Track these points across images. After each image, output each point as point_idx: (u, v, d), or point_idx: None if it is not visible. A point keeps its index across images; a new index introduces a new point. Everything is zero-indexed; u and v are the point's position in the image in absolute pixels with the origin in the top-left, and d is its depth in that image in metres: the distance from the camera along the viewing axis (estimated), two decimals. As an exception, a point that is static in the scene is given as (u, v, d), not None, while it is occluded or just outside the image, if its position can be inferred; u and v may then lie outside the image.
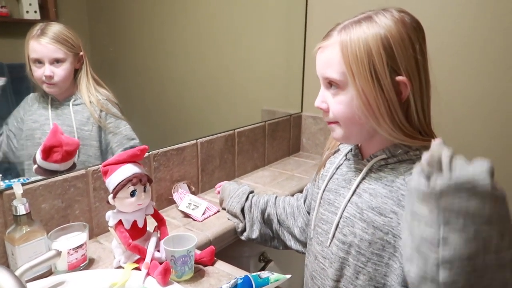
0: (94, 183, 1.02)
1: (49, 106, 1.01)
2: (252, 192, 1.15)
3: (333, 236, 0.81)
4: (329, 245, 0.82)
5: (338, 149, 0.91)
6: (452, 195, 0.49)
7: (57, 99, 1.02)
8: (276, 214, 1.08)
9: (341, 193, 0.82)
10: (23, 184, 0.87)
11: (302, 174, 1.55)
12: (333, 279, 0.80)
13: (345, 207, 0.79)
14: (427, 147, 0.73)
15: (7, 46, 0.93)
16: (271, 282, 0.80)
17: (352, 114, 0.73)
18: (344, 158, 0.87)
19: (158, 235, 0.90)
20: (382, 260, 0.73)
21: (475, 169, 0.51)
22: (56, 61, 0.97)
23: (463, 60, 1.34)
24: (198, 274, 0.86)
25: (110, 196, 0.83)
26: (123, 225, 0.84)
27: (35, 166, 0.97)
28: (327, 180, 0.87)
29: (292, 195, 1.26)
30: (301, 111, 1.82)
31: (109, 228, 0.85)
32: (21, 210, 0.80)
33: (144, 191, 0.85)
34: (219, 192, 1.24)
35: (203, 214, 1.15)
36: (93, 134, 1.06)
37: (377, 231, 0.73)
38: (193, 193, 1.27)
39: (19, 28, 0.95)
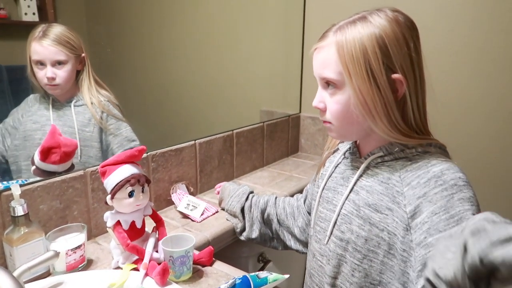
0: (93, 184, 1.02)
1: (50, 107, 1.01)
2: (252, 192, 1.15)
3: (331, 233, 0.81)
4: (327, 243, 0.82)
5: (338, 149, 0.92)
6: None
7: (59, 100, 1.03)
8: (276, 214, 1.08)
9: (339, 191, 0.83)
10: (21, 185, 0.86)
11: (301, 175, 1.55)
12: (331, 276, 0.80)
13: (342, 205, 0.80)
14: (422, 145, 0.74)
15: (5, 48, 0.93)
16: (269, 282, 0.80)
17: (349, 113, 0.74)
18: (343, 156, 0.88)
19: (157, 235, 0.90)
20: (377, 257, 0.73)
21: None
22: (58, 63, 0.98)
23: (461, 61, 1.34)
24: (197, 274, 0.86)
25: (108, 197, 0.83)
26: (121, 225, 0.84)
27: (33, 167, 0.97)
28: (326, 178, 0.88)
29: (291, 195, 1.26)
30: (300, 111, 1.82)
31: (107, 228, 0.85)
32: (19, 211, 0.80)
33: (142, 191, 0.85)
34: (218, 193, 1.24)
35: (202, 214, 1.15)
36: (94, 135, 1.06)
37: (373, 228, 0.74)
38: (191, 193, 1.27)
39: (17, 30, 0.96)
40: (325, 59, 0.74)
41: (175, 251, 0.81)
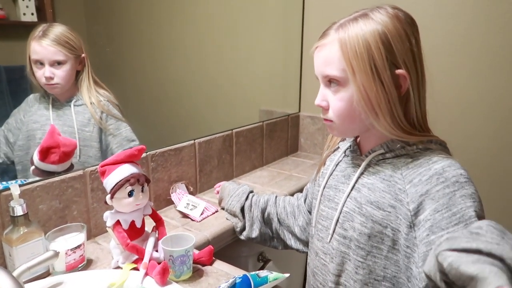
0: (92, 183, 1.02)
1: (50, 106, 1.02)
2: (252, 191, 1.15)
3: (334, 231, 0.82)
4: (330, 241, 0.82)
5: (338, 147, 0.92)
6: None
7: (58, 100, 1.03)
8: (277, 213, 1.08)
9: (341, 189, 0.83)
10: (20, 185, 0.86)
11: (301, 174, 1.55)
12: (334, 274, 0.81)
13: (344, 202, 0.80)
14: (423, 142, 0.75)
15: (4, 48, 0.93)
16: (269, 281, 0.80)
17: (352, 110, 0.74)
18: (343, 154, 0.88)
19: (156, 235, 0.90)
20: (381, 253, 0.74)
21: None
22: (57, 63, 0.97)
23: (459, 60, 1.34)
24: (197, 273, 0.86)
25: (108, 197, 0.83)
26: (121, 225, 0.84)
27: (33, 167, 0.97)
28: (327, 177, 0.88)
29: (291, 194, 1.26)
30: (299, 111, 1.82)
31: (107, 228, 0.85)
32: (19, 211, 0.79)
33: (142, 191, 0.85)
34: (218, 192, 1.24)
35: (202, 214, 1.15)
36: (94, 135, 1.06)
37: (376, 225, 0.74)
38: (191, 193, 1.27)
39: (16, 30, 0.95)
40: (328, 57, 0.74)
41: (175, 250, 0.81)
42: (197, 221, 1.13)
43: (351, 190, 0.80)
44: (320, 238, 0.86)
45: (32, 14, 0.95)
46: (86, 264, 0.89)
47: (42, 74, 0.97)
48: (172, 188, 1.23)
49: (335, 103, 0.76)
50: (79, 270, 0.86)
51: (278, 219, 1.08)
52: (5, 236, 0.80)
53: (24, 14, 0.94)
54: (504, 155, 1.32)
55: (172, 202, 1.22)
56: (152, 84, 1.27)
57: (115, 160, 0.85)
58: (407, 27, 0.72)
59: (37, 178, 0.94)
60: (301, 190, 1.13)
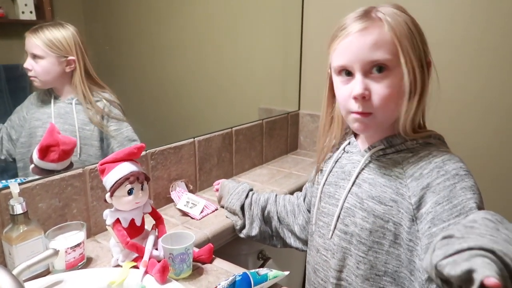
0: (92, 182, 1.02)
1: (52, 104, 1.02)
2: (251, 189, 1.15)
3: (335, 227, 0.82)
4: (331, 237, 0.83)
5: (335, 145, 0.91)
6: None
7: (60, 98, 1.03)
8: (277, 212, 1.08)
9: (341, 185, 0.83)
10: (20, 184, 0.86)
11: (300, 172, 1.55)
12: (336, 269, 0.81)
13: (345, 198, 0.81)
14: (422, 137, 0.75)
15: (3, 46, 0.92)
16: (269, 279, 0.80)
17: (398, 98, 0.72)
18: (342, 151, 0.88)
19: (156, 233, 0.90)
20: (382, 248, 0.74)
21: None
22: (35, 57, 0.97)
23: (458, 58, 1.34)
24: (197, 271, 0.86)
25: (108, 195, 0.83)
26: (120, 223, 0.84)
27: (32, 165, 0.96)
28: (327, 174, 0.88)
29: (291, 192, 1.26)
30: (299, 109, 1.82)
31: (106, 226, 0.85)
32: (18, 209, 0.79)
33: (142, 189, 0.85)
34: (217, 190, 1.24)
35: (201, 212, 1.15)
36: (95, 134, 1.06)
37: (378, 220, 0.74)
38: (191, 191, 1.27)
39: (15, 29, 0.95)
40: (379, 39, 0.70)
41: (175, 248, 0.81)
42: (197, 219, 1.13)
43: (352, 185, 0.80)
44: (321, 234, 0.86)
45: (31, 12, 0.95)
46: (86, 262, 0.89)
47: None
48: (172, 186, 1.23)
49: (383, 91, 0.71)
50: (79, 269, 0.86)
51: (278, 218, 1.08)
52: (5, 234, 0.80)
53: (23, 12, 0.94)
54: (503, 152, 1.32)
55: (172, 200, 1.22)
56: (151, 83, 1.27)
57: (115, 158, 0.85)
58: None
59: (37, 177, 0.93)
60: (300, 188, 1.13)
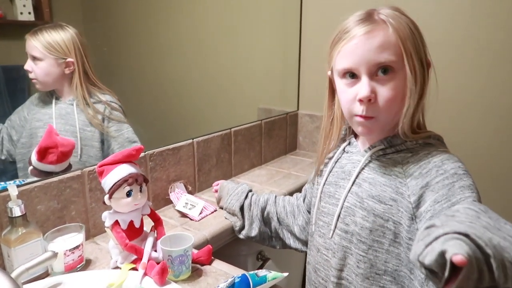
0: (90, 183, 1.01)
1: (53, 105, 1.02)
2: (251, 190, 1.15)
3: (335, 226, 0.83)
4: (332, 236, 0.83)
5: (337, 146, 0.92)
6: None
7: (61, 99, 1.03)
8: (276, 213, 1.08)
9: (341, 185, 0.84)
10: (18, 186, 0.86)
11: (299, 172, 1.55)
12: (337, 268, 0.82)
13: (345, 198, 0.81)
14: (422, 137, 0.76)
15: (1, 48, 0.92)
16: (268, 280, 0.80)
17: (401, 100, 0.73)
18: (342, 151, 0.88)
19: (155, 235, 0.90)
20: (382, 247, 0.75)
21: None
22: (34, 58, 0.98)
23: (459, 58, 1.34)
24: (196, 273, 0.86)
25: (106, 197, 0.83)
26: (119, 225, 0.84)
27: (31, 167, 0.96)
28: (327, 174, 0.89)
29: (290, 193, 1.27)
30: (298, 109, 1.82)
31: (105, 228, 0.85)
32: (17, 211, 0.79)
33: (140, 191, 0.85)
34: (216, 191, 1.24)
35: (200, 213, 1.15)
36: (96, 135, 1.06)
37: (378, 219, 0.75)
38: (190, 192, 1.27)
39: (13, 30, 0.95)
40: (384, 42, 0.71)
41: (173, 250, 0.81)
42: (196, 221, 1.13)
43: (352, 185, 0.81)
44: (322, 234, 0.87)
45: (29, 13, 0.95)
46: (85, 264, 0.89)
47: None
48: (171, 188, 1.23)
49: (389, 92, 0.72)
50: (78, 271, 0.86)
51: (278, 218, 1.08)
52: (3, 237, 0.80)
53: (21, 13, 0.94)
54: (503, 152, 1.32)
55: (170, 202, 1.22)
56: (150, 84, 1.26)
57: (113, 160, 0.85)
58: None
59: (35, 179, 0.93)
60: (300, 189, 1.13)
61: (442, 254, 0.46)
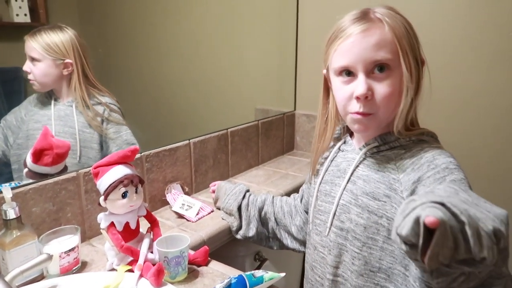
0: (86, 185, 1.01)
1: (52, 107, 1.02)
2: (248, 190, 1.15)
3: (331, 224, 0.83)
4: (328, 234, 0.84)
5: (333, 145, 0.92)
6: None
7: (60, 100, 1.03)
8: (274, 213, 1.08)
9: (337, 183, 0.84)
10: (12, 188, 0.86)
11: (296, 173, 1.54)
12: (332, 265, 0.82)
13: (341, 195, 0.82)
14: (415, 134, 0.77)
15: (-3, 49, 0.92)
16: (265, 281, 0.80)
17: (397, 96, 0.74)
18: (338, 150, 0.89)
19: (151, 236, 0.90)
20: (376, 244, 0.75)
21: None
22: (33, 59, 0.98)
23: (455, 58, 1.34)
24: (192, 274, 0.86)
25: (102, 198, 0.82)
26: (115, 227, 0.83)
27: (26, 169, 0.96)
28: (323, 173, 0.89)
29: (287, 194, 1.26)
30: (294, 109, 1.82)
31: (101, 230, 0.84)
32: (11, 214, 0.79)
33: (136, 192, 0.84)
34: (213, 191, 1.23)
35: (197, 214, 1.14)
36: (95, 137, 1.06)
37: (372, 215, 0.75)
38: (186, 193, 1.27)
39: (9, 32, 0.95)
40: (381, 40, 0.72)
41: (169, 251, 0.81)
42: (193, 222, 1.12)
43: (347, 183, 0.81)
44: (318, 232, 0.87)
45: (25, 15, 0.95)
46: (81, 266, 0.89)
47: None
48: (167, 189, 1.22)
49: (385, 90, 0.73)
50: (73, 273, 0.86)
51: (275, 219, 1.08)
52: (-2, 239, 0.79)
53: (17, 15, 0.94)
54: (500, 152, 1.32)
55: (167, 203, 1.22)
56: (146, 84, 1.26)
57: (108, 161, 0.84)
58: None
59: (30, 181, 0.93)
60: (297, 189, 1.12)
61: (417, 221, 0.46)
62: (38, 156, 0.94)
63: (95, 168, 0.84)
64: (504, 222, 0.47)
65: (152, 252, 0.86)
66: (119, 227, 0.84)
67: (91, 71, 1.05)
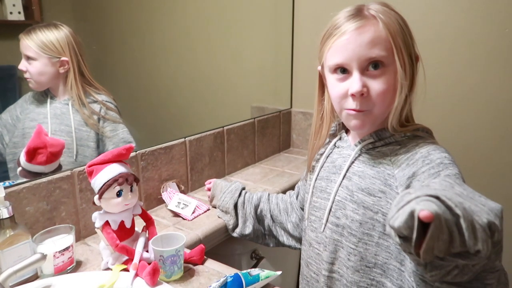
0: (80, 184, 1.00)
1: (48, 105, 1.01)
2: (244, 188, 1.15)
3: (327, 220, 0.83)
4: (323, 230, 0.84)
5: (329, 141, 0.92)
6: None
7: (56, 98, 1.02)
8: (270, 210, 1.08)
9: (332, 179, 0.84)
10: (6, 187, 0.85)
11: (293, 170, 1.54)
12: (328, 262, 0.82)
13: (336, 191, 0.82)
14: (410, 130, 0.77)
15: (-10, 47, 0.91)
16: (261, 279, 0.80)
17: (393, 92, 0.74)
18: (334, 147, 0.88)
19: (147, 235, 0.89)
20: (372, 240, 0.75)
21: None
22: (28, 58, 0.97)
23: (451, 54, 1.34)
24: (188, 273, 0.85)
25: (96, 197, 0.81)
26: (110, 226, 0.83)
27: (19, 168, 0.95)
28: (318, 169, 0.89)
29: (283, 191, 1.26)
30: (291, 107, 1.82)
31: (96, 229, 0.84)
32: (4, 213, 0.78)
33: (131, 191, 0.84)
34: (209, 189, 1.23)
35: (193, 212, 1.14)
36: (91, 135, 1.06)
37: (367, 211, 0.75)
38: (182, 192, 1.26)
39: (2, 30, 0.94)
40: (375, 37, 0.72)
41: (165, 250, 0.80)
42: (189, 220, 1.12)
43: (343, 179, 0.81)
44: (314, 228, 0.87)
45: (19, 12, 0.94)
46: (75, 266, 0.88)
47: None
48: (163, 187, 1.22)
49: (380, 87, 0.73)
50: (68, 273, 0.85)
51: (271, 216, 1.08)
52: (-9, 239, 0.78)
53: (11, 13, 0.93)
54: (495, 149, 1.32)
55: (163, 201, 1.21)
56: (141, 82, 1.25)
57: (103, 160, 0.83)
58: None
59: (23, 180, 0.92)
60: (293, 187, 1.12)
61: (411, 215, 0.46)
62: (32, 155, 0.93)
63: (89, 167, 0.84)
64: (498, 216, 0.48)
65: (147, 251, 0.86)
66: (114, 226, 0.83)
67: (87, 69, 1.04)
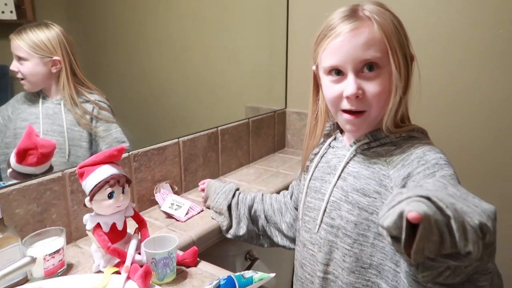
0: (72, 185, 0.99)
1: (40, 105, 1.00)
2: (238, 189, 1.14)
3: (321, 221, 0.82)
4: (318, 231, 0.83)
5: (323, 141, 0.91)
6: None
7: (48, 98, 1.01)
8: (263, 210, 1.08)
9: (327, 180, 0.84)
10: (-5, 189, 0.83)
11: (288, 171, 1.53)
12: (323, 263, 0.81)
13: (331, 192, 0.81)
14: (405, 131, 0.76)
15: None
16: (255, 282, 0.79)
17: (388, 93, 0.74)
18: (328, 147, 0.88)
19: (139, 237, 0.88)
20: (367, 241, 0.75)
21: None
22: (20, 58, 0.96)
23: (445, 54, 1.34)
24: (181, 276, 0.84)
25: (87, 199, 0.80)
26: (101, 228, 0.82)
27: (9, 170, 0.93)
28: (313, 169, 0.88)
29: (278, 192, 1.25)
30: (285, 107, 1.81)
31: (87, 232, 0.83)
32: (-8, 216, 0.77)
33: (123, 192, 0.83)
34: (203, 190, 1.22)
35: (186, 214, 1.13)
36: (84, 135, 1.05)
37: (362, 212, 0.75)
38: (176, 193, 1.25)
39: (-6, 29, 0.92)
40: (370, 38, 0.71)
41: (157, 252, 0.79)
42: (182, 221, 1.11)
43: (338, 179, 0.81)
44: (308, 229, 0.87)
45: (11, 12, 0.93)
46: (66, 269, 0.87)
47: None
48: (156, 188, 1.21)
49: (375, 89, 0.73)
50: (58, 276, 0.84)
51: (265, 216, 1.08)
52: (-20, 242, 0.77)
53: (3, 12, 0.92)
54: (490, 149, 1.32)
55: (156, 203, 1.20)
56: (135, 82, 1.24)
57: (94, 161, 0.82)
58: None
59: (13, 182, 0.90)
60: (288, 187, 1.11)
61: (401, 216, 0.46)
62: (22, 156, 0.92)
63: (80, 168, 0.82)
64: (491, 218, 0.47)
65: (139, 254, 0.85)
66: (106, 228, 0.82)
67: (80, 69, 1.03)
